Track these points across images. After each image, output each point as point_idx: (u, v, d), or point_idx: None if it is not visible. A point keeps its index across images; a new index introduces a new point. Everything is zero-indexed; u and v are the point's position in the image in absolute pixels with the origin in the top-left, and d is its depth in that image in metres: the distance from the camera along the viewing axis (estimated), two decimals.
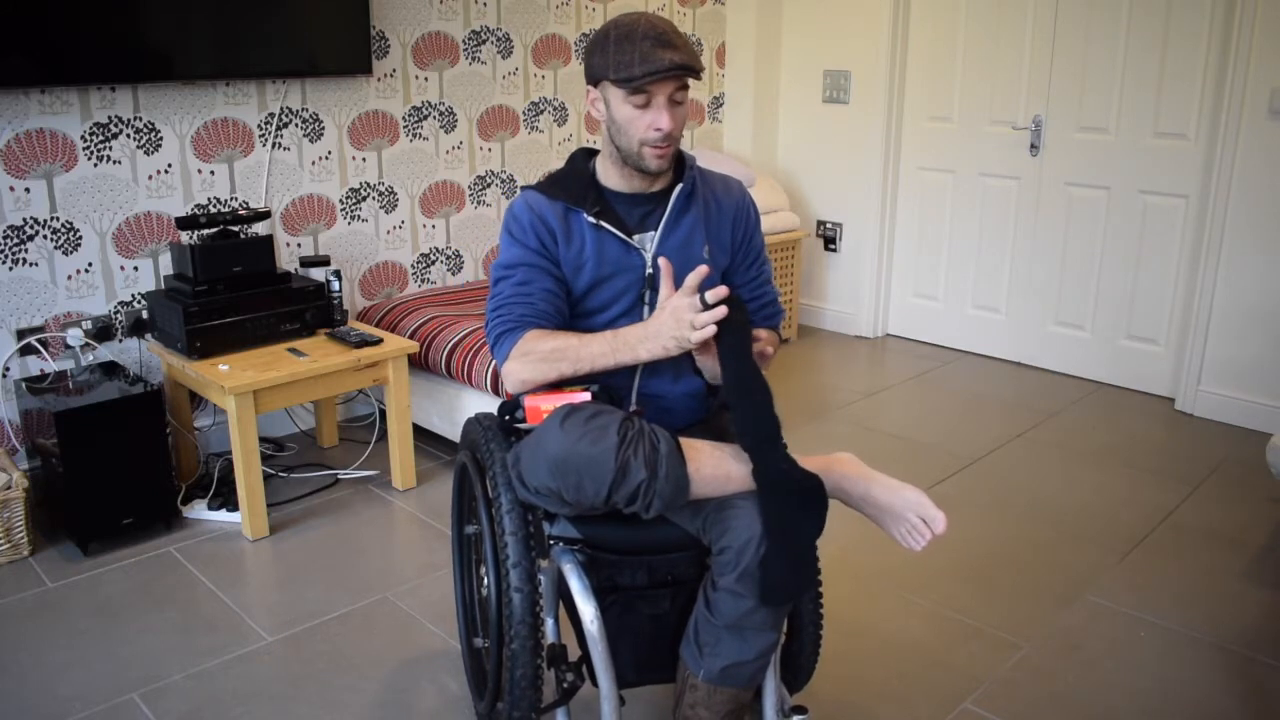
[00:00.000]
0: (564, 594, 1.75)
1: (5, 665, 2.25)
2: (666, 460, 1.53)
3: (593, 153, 1.86)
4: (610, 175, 1.80)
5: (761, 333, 1.80)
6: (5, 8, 2.64)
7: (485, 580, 1.84)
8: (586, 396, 1.66)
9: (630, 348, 1.63)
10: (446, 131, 3.79)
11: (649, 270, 1.77)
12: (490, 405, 3.05)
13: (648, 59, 1.62)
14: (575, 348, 1.66)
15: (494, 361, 1.74)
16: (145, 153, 3.06)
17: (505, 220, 1.80)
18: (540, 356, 1.67)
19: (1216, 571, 2.66)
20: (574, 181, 1.79)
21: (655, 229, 1.79)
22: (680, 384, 1.79)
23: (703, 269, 1.57)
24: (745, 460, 1.59)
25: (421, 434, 3.49)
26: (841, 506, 1.70)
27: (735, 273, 1.90)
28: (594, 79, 1.71)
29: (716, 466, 1.58)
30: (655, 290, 1.76)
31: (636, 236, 1.77)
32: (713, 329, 1.54)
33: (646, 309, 1.78)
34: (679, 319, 1.56)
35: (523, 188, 1.89)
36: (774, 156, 4.91)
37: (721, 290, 1.56)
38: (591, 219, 1.75)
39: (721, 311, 1.54)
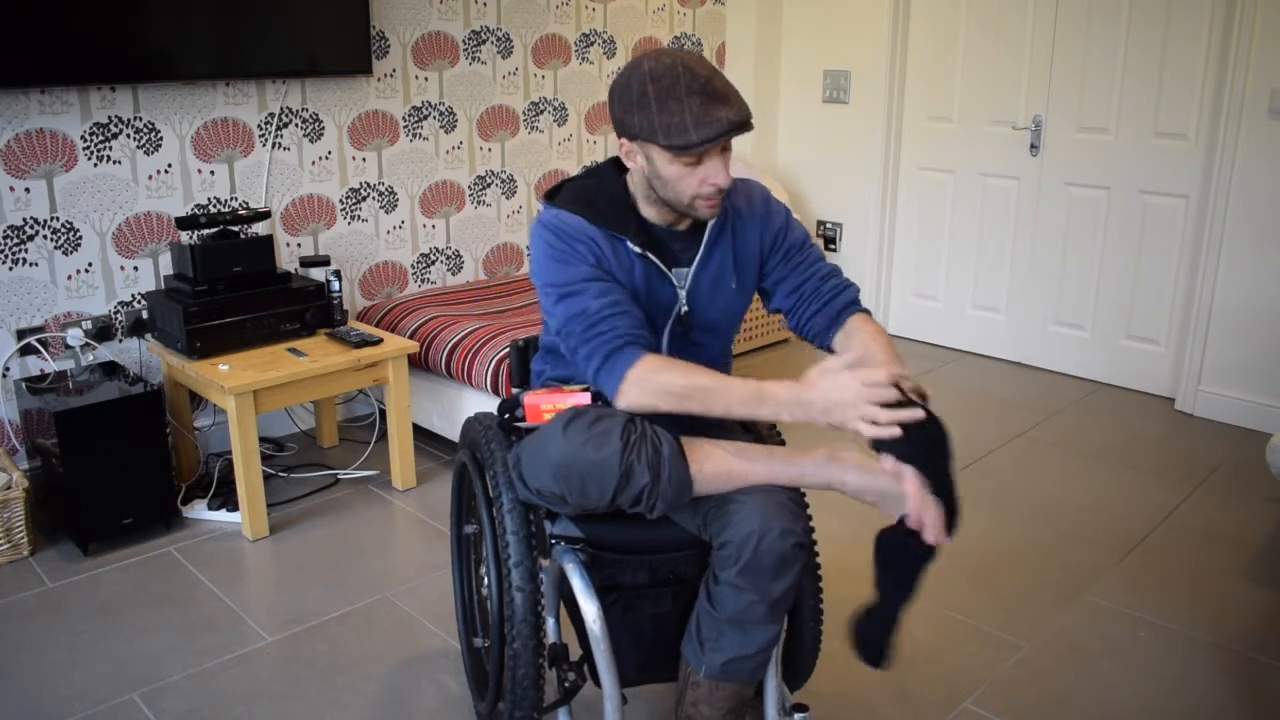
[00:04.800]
0: (565, 593, 1.76)
1: (5, 665, 2.25)
2: (669, 463, 1.53)
3: (622, 166, 1.73)
4: (646, 209, 1.70)
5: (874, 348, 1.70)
6: (5, 8, 2.64)
7: (485, 580, 1.84)
8: (586, 398, 1.66)
9: (775, 405, 1.53)
10: (446, 131, 3.79)
11: (683, 308, 1.72)
12: (490, 405, 3.05)
13: (702, 122, 1.51)
14: (712, 391, 1.54)
15: (594, 379, 1.63)
16: (145, 153, 3.06)
17: (544, 241, 1.66)
18: (670, 392, 1.56)
19: (1216, 571, 2.66)
20: (611, 206, 1.68)
21: (688, 265, 1.72)
22: None
23: (886, 379, 1.48)
24: (746, 457, 1.59)
25: (421, 434, 3.49)
26: (842, 507, 1.70)
27: (776, 268, 1.81)
28: (631, 136, 1.59)
29: (718, 465, 1.58)
30: (681, 326, 1.73)
31: (674, 270, 1.72)
32: (896, 430, 1.45)
33: (664, 342, 1.74)
34: (845, 403, 1.47)
35: (551, 205, 1.71)
36: (774, 156, 4.91)
37: (918, 414, 1.47)
38: (637, 249, 1.67)
39: (917, 414, 1.46)
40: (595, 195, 1.70)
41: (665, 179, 1.60)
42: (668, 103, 1.52)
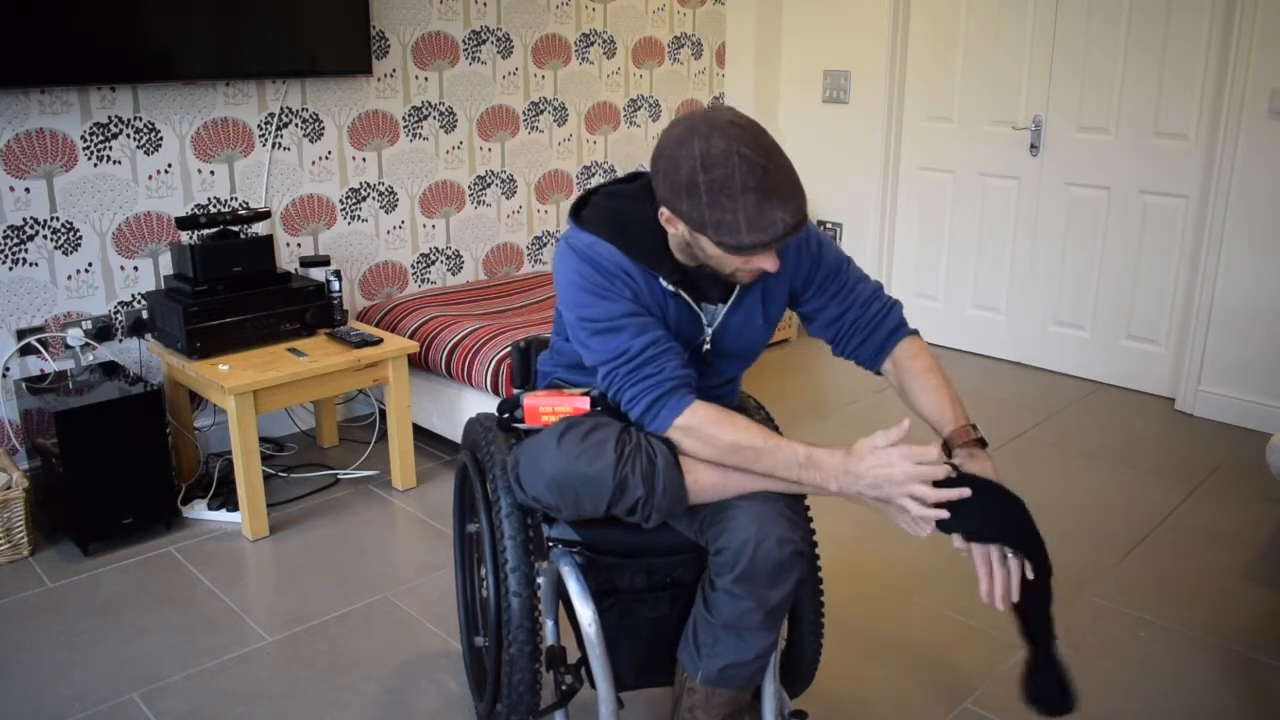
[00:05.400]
0: (563, 596, 1.75)
1: (5, 665, 2.25)
2: (664, 475, 1.52)
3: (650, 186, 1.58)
4: (678, 253, 1.61)
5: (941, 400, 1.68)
6: (5, 8, 2.64)
7: (486, 580, 1.84)
8: (586, 402, 1.66)
9: (821, 475, 1.51)
10: (446, 131, 3.79)
11: (706, 346, 1.68)
12: (490, 405, 3.05)
13: (756, 225, 1.41)
14: (760, 451, 1.52)
15: (638, 420, 1.58)
16: (145, 153, 3.06)
17: (576, 272, 1.59)
18: (717, 445, 1.53)
19: (1216, 571, 2.66)
20: (645, 239, 1.59)
21: (716, 302, 1.66)
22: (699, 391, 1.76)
23: (936, 456, 1.46)
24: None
25: (421, 434, 3.49)
26: (844, 508, 1.70)
27: (812, 299, 1.75)
28: (675, 214, 1.48)
29: (714, 475, 1.57)
30: (701, 358, 1.69)
31: (703, 305, 1.66)
32: (943, 513, 1.45)
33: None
34: (893, 480, 1.46)
35: (581, 227, 1.62)
36: None
37: (965, 492, 1.47)
38: (671, 287, 1.61)
39: (963, 493, 1.46)
40: (629, 224, 1.60)
41: (708, 254, 1.52)
42: (720, 198, 1.41)
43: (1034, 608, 1.57)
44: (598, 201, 1.66)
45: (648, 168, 1.57)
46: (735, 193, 1.40)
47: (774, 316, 1.74)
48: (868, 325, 1.75)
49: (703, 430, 1.54)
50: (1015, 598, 1.54)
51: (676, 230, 1.53)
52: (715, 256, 1.51)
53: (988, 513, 1.51)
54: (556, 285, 1.65)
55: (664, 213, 1.52)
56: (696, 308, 1.65)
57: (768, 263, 1.50)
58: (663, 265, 1.60)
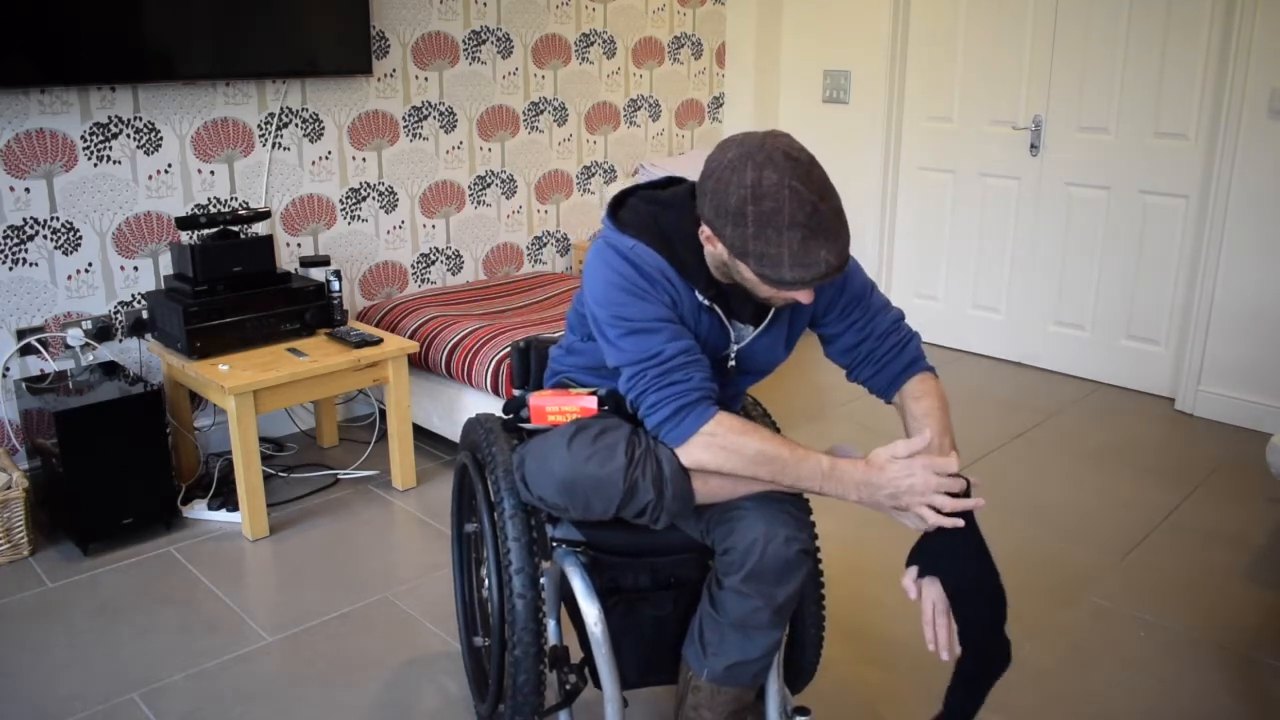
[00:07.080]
0: (566, 596, 1.75)
1: (5, 665, 2.25)
2: (673, 480, 1.53)
3: (695, 194, 1.57)
4: (715, 269, 1.59)
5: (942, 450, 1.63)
6: (5, 8, 2.64)
7: (486, 580, 1.84)
8: (593, 402, 1.66)
9: (842, 486, 1.52)
10: (446, 131, 3.79)
11: (731, 362, 1.67)
12: (490, 405, 3.05)
13: (799, 261, 1.40)
14: (785, 462, 1.52)
15: (657, 426, 1.55)
16: (145, 153, 3.06)
17: (616, 271, 1.56)
18: (742, 454, 1.51)
19: (1216, 571, 2.67)
20: (686, 250, 1.58)
21: (745, 321, 1.65)
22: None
23: (956, 468, 1.50)
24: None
25: (421, 434, 3.49)
26: (844, 508, 1.70)
27: (832, 323, 1.73)
28: (717, 235, 1.47)
29: (722, 478, 1.57)
30: (722, 375, 1.67)
31: (732, 322, 1.64)
32: (958, 522, 1.49)
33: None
34: (914, 490, 1.49)
35: (622, 230, 1.60)
36: None
37: (980, 502, 1.51)
38: (706, 301, 1.59)
39: (979, 503, 1.50)
40: (671, 232, 1.59)
41: (744, 278, 1.51)
42: (767, 231, 1.40)
43: (967, 680, 1.58)
44: (636, 204, 1.64)
45: (650, 170, 1.56)
46: (782, 227, 1.39)
47: (794, 339, 1.74)
48: (881, 358, 1.73)
49: (729, 439, 1.52)
50: (957, 650, 1.56)
51: (715, 249, 1.51)
52: (751, 282, 1.50)
53: (953, 551, 1.54)
54: (589, 283, 1.61)
55: (705, 231, 1.50)
56: (727, 324, 1.63)
57: (803, 296, 1.49)
58: (700, 278, 1.59)
